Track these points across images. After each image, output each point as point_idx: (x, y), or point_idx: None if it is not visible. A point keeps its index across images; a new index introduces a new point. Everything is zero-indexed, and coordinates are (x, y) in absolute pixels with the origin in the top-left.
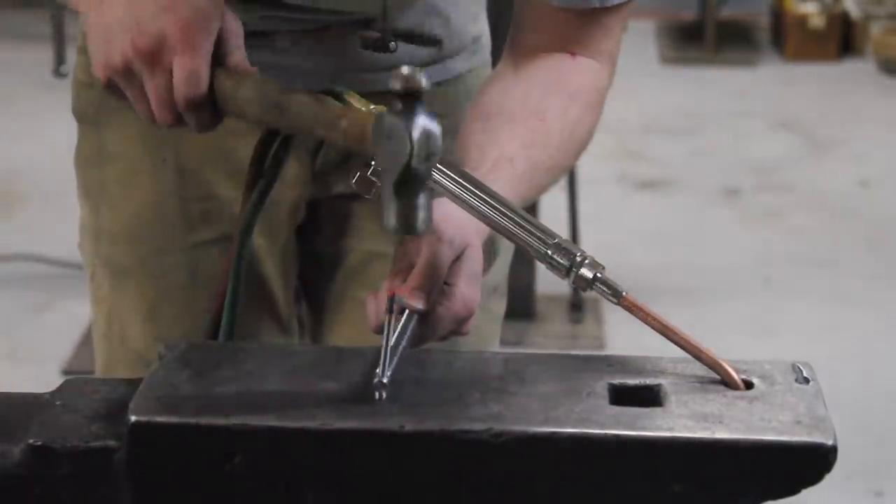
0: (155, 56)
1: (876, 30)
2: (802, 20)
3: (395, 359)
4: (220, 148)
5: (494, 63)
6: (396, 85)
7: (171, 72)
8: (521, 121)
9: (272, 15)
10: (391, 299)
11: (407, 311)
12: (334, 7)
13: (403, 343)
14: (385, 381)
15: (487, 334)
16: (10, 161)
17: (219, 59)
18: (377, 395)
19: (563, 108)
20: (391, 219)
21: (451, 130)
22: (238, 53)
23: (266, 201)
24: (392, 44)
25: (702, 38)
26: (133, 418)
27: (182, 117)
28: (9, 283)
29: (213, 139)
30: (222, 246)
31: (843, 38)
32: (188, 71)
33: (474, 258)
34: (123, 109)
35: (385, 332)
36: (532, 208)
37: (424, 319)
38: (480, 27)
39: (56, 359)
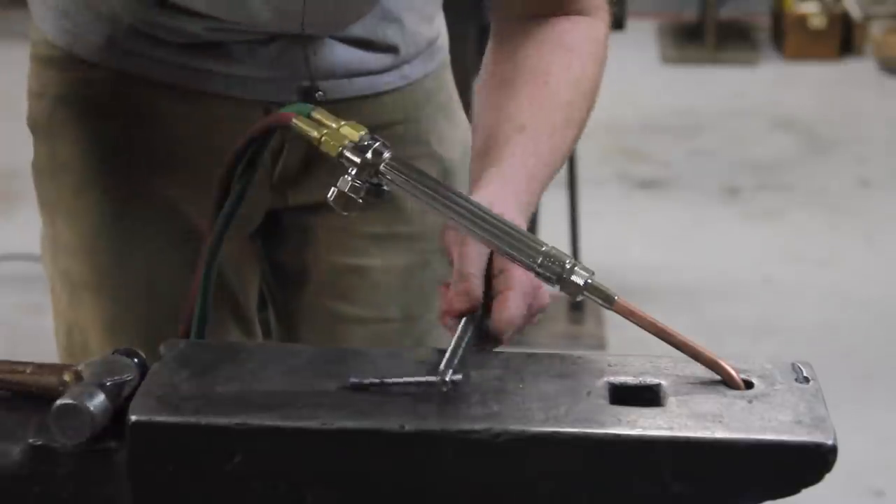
0: None
1: (876, 30)
2: (802, 20)
3: (456, 359)
4: (174, 156)
5: (458, 57)
6: None
7: None
8: (523, 86)
9: (215, 27)
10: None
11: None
12: (262, 28)
13: (463, 344)
14: (448, 378)
15: None
16: (10, 161)
17: None
18: (444, 389)
19: (566, 64)
20: None
21: (410, 136)
22: None
23: (235, 217)
24: (319, 93)
25: (702, 38)
26: (133, 418)
27: None
28: (8, 283)
29: (166, 146)
30: (181, 255)
31: (843, 38)
32: None
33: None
34: (75, 120)
35: (457, 334)
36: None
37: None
38: (437, 29)
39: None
